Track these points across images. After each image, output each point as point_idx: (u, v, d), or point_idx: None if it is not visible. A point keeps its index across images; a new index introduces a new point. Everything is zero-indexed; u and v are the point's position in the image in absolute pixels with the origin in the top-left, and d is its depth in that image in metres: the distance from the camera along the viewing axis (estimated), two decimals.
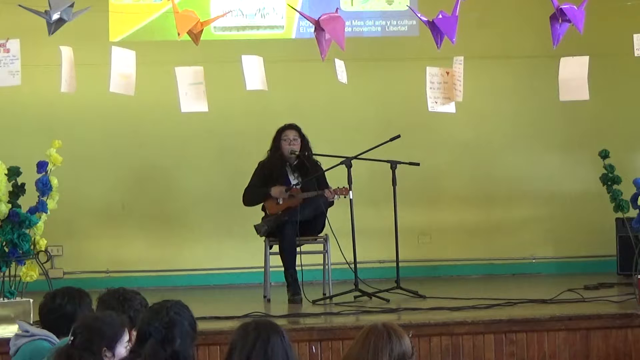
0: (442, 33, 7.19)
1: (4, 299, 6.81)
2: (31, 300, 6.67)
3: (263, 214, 8.33)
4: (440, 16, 7.20)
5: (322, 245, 8.23)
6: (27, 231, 6.81)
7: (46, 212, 6.90)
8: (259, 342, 3.71)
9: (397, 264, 8.06)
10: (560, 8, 7.14)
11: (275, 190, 8.13)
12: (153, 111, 9.42)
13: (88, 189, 9.45)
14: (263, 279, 8.41)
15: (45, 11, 6.69)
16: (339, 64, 7.38)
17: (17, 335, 4.70)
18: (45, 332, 4.71)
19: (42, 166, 6.93)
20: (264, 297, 8.22)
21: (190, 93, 7.23)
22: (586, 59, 7.40)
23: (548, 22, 7.26)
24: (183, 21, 7.00)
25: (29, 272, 6.82)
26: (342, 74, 7.37)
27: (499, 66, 9.95)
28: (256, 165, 8.37)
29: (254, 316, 7.00)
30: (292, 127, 8.29)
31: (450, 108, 7.67)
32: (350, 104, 9.71)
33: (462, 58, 7.53)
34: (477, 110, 9.64)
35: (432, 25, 7.22)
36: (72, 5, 6.74)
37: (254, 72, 7.22)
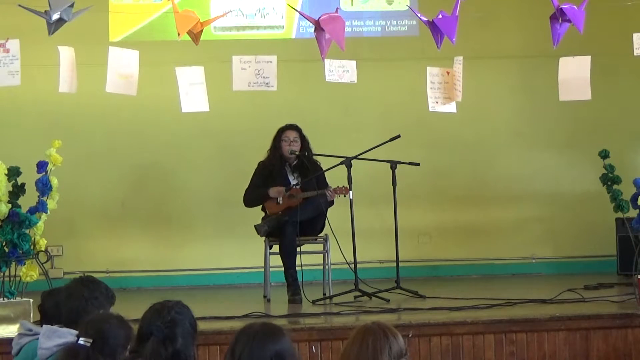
0: (442, 33, 7.19)
1: (4, 299, 6.80)
2: (31, 300, 6.67)
3: (263, 214, 8.33)
4: (440, 16, 7.20)
5: (322, 245, 8.23)
6: (27, 231, 6.80)
7: (46, 212, 6.89)
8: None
9: (397, 264, 8.06)
10: (560, 8, 7.14)
11: (274, 191, 8.13)
12: (153, 111, 9.43)
13: (88, 189, 9.46)
14: (263, 279, 8.42)
15: (45, 11, 6.69)
16: (340, 64, 7.38)
17: (20, 335, 4.69)
18: None
19: (42, 166, 6.93)
20: (264, 297, 8.22)
21: (191, 93, 7.24)
22: (588, 58, 7.41)
23: (548, 22, 7.27)
24: (183, 21, 7.01)
25: (29, 272, 6.81)
26: (342, 74, 7.37)
27: (499, 66, 9.96)
28: (256, 166, 8.37)
29: (254, 316, 7.01)
30: (293, 127, 8.29)
31: (451, 108, 7.68)
32: (350, 104, 9.72)
33: (461, 58, 7.54)
34: (477, 110, 9.65)
35: (432, 25, 7.23)
36: (72, 5, 6.75)
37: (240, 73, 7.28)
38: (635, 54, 7.35)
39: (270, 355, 3.67)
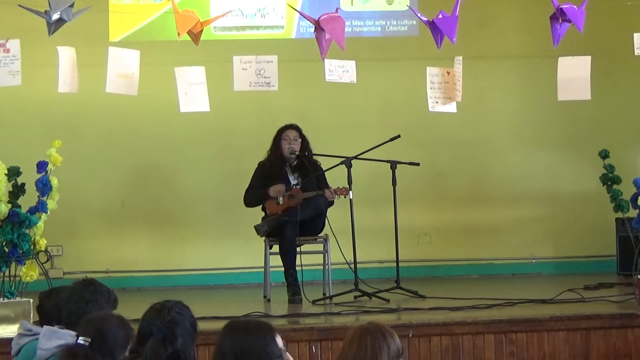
0: (442, 33, 7.20)
1: (4, 299, 6.80)
2: (31, 300, 6.67)
3: (263, 214, 8.33)
4: (440, 16, 7.21)
5: (322, 245, 8.23)
6: (27, 231, 6.80)
7: (46, 212, 6.89)
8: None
9: (397, 264, 8.06)
10: (560, 8, 7.14)
11: (274, 190, 8.13)
12: (153, 111, 9.42)
13: (88, 189, 9.46)
14: (263, 279, 8.41)
15: (45, 11, 6.70)
16: (340, 64, 7.38)
17: (19, 335, 4.69)
18: None
19: (42, 166, 6.93)
20: (264, 297, 8.22)
21: (190, 93, 7.24)
22: (588, 58, 7.41)
23: (548, 22, 7.27)
24: (183, 21, 7.01)
25: (29, 272, 6.81)
26: (341, 74, 7.38)
27: (499, 66, 9.96)
28: (256, 166, 8.37)
29: (254, 316, 7.01)
30: (293, 127, 8.29)
31: (452, 108, 7.68)
32: (350, 104, 9.72)
33: (461, 58, 7.54)
34: (477, 110, 9.65)
35: (432, 25, 7.23)
36: (72, 5, 6.75)
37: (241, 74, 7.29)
38: (635, 54, 7.35)
39: (237, 348, 3.67)
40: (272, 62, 7.28)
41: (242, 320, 3.91)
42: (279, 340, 3.78)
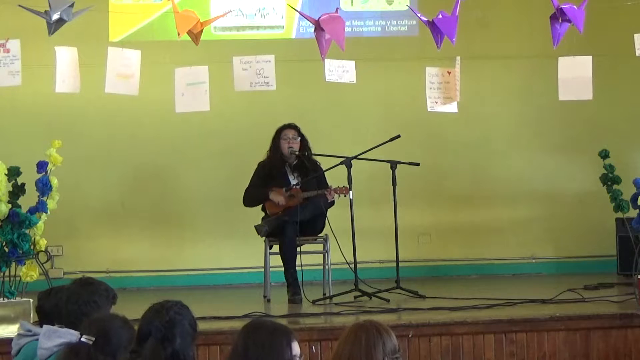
0: (442, 33, 7.21)
1: (4, 299, 6.80)
2: (31, 300, 6.66)
3: (263, 214, 8.33)
4: (440, 16, 7.22)
5: (322, 245, 8.23)
6: (27, 231, 6.80)
7: (46, 212, 6.89)
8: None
9: (397, 264, 8.06)
10: (560, 8, 7.15)
11: (274, 196, 8.11)
12: (153, 111, 9.41)
13: (88, 189, 9.46)
14: (263, 279, 8.41)
15: (45, 11, 6.71)
16: (340, 64, 7.39)
17: (19, 335, 4.70)
18: None
19: (42, 166, 6.93)
20: (264, 297, 8.22)
21: (188, 93, 7.24)
22: (589, 58, 7.42)
23: (548, 22, 7.27)
24: (183, 21, 7.02)
25: (29, 272, 6.81)
26: (341, 74, 7.39)
27: (499, 66, 9.96)
28: (256, 166, 8.37)
29: (254, 316, 7.01)
30: (292, 126, 8.29)
31: (452, 108, 7.68)
32: (350, 104, 9.72)
33: (459, 58, 7.54)
34: (477, 111, 9.65)
35: (432, 25, 7.24)
36: (72, 5, 6.76)
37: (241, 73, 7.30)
38: (636, 54, 7.35)
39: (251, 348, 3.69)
40: (269, 61, 7.28)
41: (261, 321, 3.91)
42: (295, 346, 3.79)
